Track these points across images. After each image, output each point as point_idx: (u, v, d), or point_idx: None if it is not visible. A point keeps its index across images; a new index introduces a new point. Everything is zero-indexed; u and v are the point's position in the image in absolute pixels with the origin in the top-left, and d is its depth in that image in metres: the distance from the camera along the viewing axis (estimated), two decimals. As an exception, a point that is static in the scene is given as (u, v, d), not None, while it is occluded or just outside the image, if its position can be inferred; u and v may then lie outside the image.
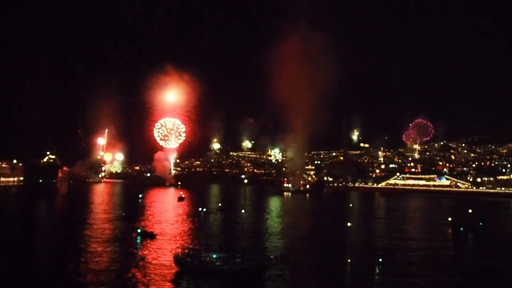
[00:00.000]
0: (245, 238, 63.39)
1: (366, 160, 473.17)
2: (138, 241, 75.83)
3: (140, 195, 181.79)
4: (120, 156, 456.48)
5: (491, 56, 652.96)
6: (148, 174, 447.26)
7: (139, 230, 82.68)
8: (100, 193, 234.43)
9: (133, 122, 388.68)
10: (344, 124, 64.35)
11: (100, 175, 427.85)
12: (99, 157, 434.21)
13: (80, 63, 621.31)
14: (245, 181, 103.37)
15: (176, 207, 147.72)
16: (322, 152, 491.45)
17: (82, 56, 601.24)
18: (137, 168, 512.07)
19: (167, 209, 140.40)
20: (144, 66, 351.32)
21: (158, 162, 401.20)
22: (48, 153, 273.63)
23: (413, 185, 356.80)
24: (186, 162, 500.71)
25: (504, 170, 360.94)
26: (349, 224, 49.27)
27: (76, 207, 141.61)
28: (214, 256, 54.64)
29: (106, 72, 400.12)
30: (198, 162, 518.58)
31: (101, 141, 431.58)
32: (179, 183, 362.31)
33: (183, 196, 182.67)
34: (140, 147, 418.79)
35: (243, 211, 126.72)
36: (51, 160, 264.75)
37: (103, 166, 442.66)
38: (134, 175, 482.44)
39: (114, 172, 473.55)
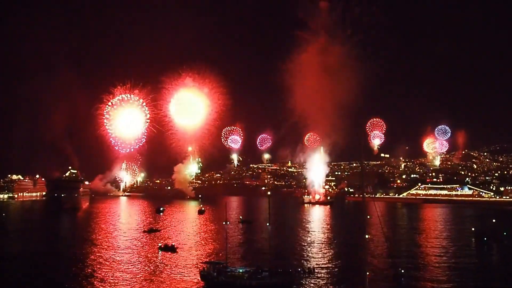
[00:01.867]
0: (270, 251, 63.54)
1: (387, 171, 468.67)
2: (160, 255, 76.94)
3: (161, 209, 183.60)
4: (140, 170, 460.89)
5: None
6: (169, 187, 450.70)
7: (160, 244, 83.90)
8: (121, 206, 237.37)
9: (154, 134, 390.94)
10: (361, 134, 64.70)
11: (121, 189, 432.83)
12: (120, 171, 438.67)
13: (99, 77, 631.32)
14: (269, 193, 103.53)
15: (197, 220, 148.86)
16: (342, 163, 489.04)
17: (103, 71, 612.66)
18: (158, 181, 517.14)
19: (187, 222, 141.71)
20: (162, 78, 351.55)
21: (178, 175, 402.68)
22: (70, 167, 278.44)
23: (435, 195, 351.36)
24: (207, 175, 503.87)
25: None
26: (367, 236, 49.41)
27: (97, 221, 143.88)
28: (241, 270, 54.85)
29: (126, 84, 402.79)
30: (218, 175, 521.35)
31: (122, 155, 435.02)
32: (200, 196, 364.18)
33: (203, 209, 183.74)
34: (161, 159, 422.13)
35: (267, 224, 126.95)
36: (73, 175, 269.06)
37: (124, 180, 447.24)
38: (155, 188, 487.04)
39: (134, 185, 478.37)
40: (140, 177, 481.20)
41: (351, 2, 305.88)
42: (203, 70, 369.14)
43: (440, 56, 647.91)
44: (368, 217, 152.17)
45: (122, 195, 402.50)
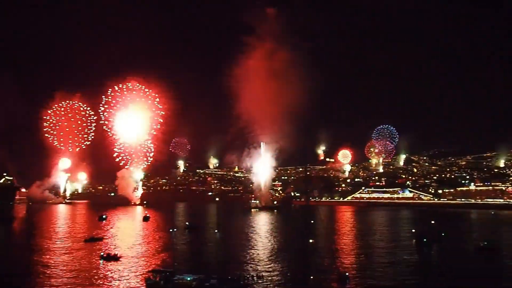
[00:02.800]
0: (219, 258, 62.67)
1: (332, 175, 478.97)
2: (102, 264, 73.76)
3: (103, 216, 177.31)
4: (82, 176, 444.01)
5: (452, 74, 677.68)
6: (112, 194, 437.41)
7: (102, 253, 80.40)
8: (61, 215, 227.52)
9: (96, 140, 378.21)
10: (307, 140, 65.32)
11: (61, 196, 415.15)
12: (60, 177, 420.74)
13: (39, 81, 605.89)
14: (217, 199, 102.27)
15: (142, 227, 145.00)
16: (289, 167, 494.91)
17: (42, 74, 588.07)
18: (101, 187, 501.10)
19: (132, 230, 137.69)
20: (107, 82, 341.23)
21: (121, 181, 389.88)
22: (4, 174, 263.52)
23: (378, 198, 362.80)
24: (152, 181, 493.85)
25: (463, 182, 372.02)
26: (311, 241, 49.92)
27: (35, 231, 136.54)
28: (189, 278, 53.52)
29: (69, 89, 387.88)
30: (164, 180, 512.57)
31: (63, 160, 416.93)
32: (145, 202, 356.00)
33: (148, 215, 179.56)
34: (103, 165, 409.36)
35: (216, 230, 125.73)
36: (8, 182, 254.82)
37: (64, 187, 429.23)
38: (98, 195, 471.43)
39: (76, 192, 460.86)
40: (82, 183, 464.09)
41: (298, 9, 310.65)
42: (149, 74, 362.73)
43: (382, 64, 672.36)
44: (312, 221, 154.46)
45: (62, 203, 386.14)
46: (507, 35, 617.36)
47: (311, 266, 66.79)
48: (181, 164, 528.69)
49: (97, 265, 72.95)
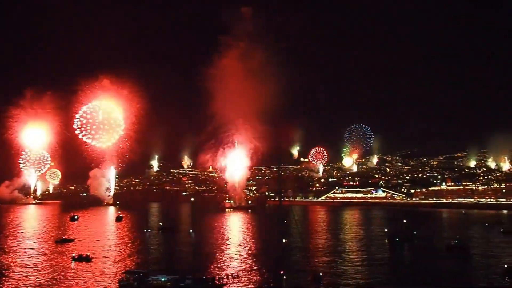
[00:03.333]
0: (194, 258, 62.18)
1: (306, 175, 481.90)
2: (74, 266, 72.15)
3: (75, 216, 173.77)
4: (54, 175, 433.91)
5: (424, 75, 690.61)
6: (84, 194, 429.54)
7: (73, 254, 78.52)
8: (31, 215, 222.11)
9: (68, 139, 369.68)
10: (280, 140, 65.48)
11: (31, 196, 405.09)
12: (30, 177, 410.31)
13: (8, 79, 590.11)
14: (192, 199, 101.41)
15: (115, 228, 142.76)
16: (263, 167, 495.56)
17: (12, 72, 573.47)
18: (72, 187, 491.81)
19: (104, 230, 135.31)
20: (79, 79, 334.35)
21: (94, 180, 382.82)
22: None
23: (352, 198, 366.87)
24: (125, 181, 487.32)
25: (435, 182, 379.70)
26: (284, 240, 50.04)
27: (3, 232, 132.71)
28: (163, 278, 52.85)
29: (40, 86, 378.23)
30: (137, 180, 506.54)
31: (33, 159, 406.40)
32: (118, 202, 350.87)
33: (121, 216, 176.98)
34: (75, 164, 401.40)
35: (191, 230, 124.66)
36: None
37: (34, 186, 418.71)
38: (70, 195, 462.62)
39: (47, 192, 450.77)
40: (53, 183, 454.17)
41: (274, 9, 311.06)
42: (122, 73, 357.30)
43: (356, 65, 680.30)
44: (285, 221, 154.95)
45: (32, 203, 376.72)
46: (479, 33, 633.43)
47: (285, 266, 66.87)
48: (154, 164, 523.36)
49: (69, 267, 71.34)
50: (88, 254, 79.69)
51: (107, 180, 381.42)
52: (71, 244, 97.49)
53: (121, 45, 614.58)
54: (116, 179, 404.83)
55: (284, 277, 46.92)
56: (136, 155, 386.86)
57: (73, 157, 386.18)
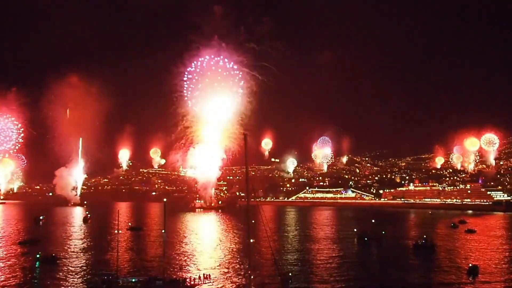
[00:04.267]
0: (165, 259, 61.18)
1: (277, 175, 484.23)
2: (38, 267, 70.00)
3: (40, 217, 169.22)
4: (17, 174, 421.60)
5: (393, 77, 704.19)
6: (50, 194, 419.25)
7: (38, 255, 76.06)
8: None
9: (34, 137, 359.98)
10: (246, 139, 65.59)
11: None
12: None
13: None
14: (164, 199, 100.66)
15: (82, 229, 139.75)
16: (234, 167, 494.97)
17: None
18: (38, 187, 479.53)
19: (71, 231, 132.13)
20: (47, 77, 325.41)
21: (60, 179, 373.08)
22: None
23: (322, 198, 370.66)
24: (93, 180, 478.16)
25: (403, 182, 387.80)
26: (252, 240, 50.02)
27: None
28: (133, 280, 51.88)
29: (4, 84, 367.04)
30: (105, 180, 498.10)
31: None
32: (85, 202, 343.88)
33: (88, 216, 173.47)
34: (40, 163, 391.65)
35: (163, 230, 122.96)
36: None
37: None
38: (35, 195, 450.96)
39: (11, 192, 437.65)
40: (17, 183, 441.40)
41: (245, 10, 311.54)
42: (91, 71, 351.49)
43: (327, 66, 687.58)
44: (253, 221, 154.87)
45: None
46: (444, 36, 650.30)
47: (253, 266, 66.87)
48: (123, 163, 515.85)
49: (32, 269, 69.25)
50: (54, 255, 77.67)
51: (74, 179, 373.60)
52: (36, 245, 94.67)
53: (91, 42, 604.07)
54: (84, 179, 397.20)
55: (252, 277, 46.74)
56: (104, 154, 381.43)
57: (39, 156, 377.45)
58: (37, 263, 72.95)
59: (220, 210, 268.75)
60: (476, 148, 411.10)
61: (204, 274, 58.76)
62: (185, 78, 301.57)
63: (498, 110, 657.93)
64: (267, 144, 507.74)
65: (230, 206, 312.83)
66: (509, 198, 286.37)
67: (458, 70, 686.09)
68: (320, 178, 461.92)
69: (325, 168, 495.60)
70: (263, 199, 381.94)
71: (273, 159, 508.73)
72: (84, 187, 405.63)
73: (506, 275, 66.23)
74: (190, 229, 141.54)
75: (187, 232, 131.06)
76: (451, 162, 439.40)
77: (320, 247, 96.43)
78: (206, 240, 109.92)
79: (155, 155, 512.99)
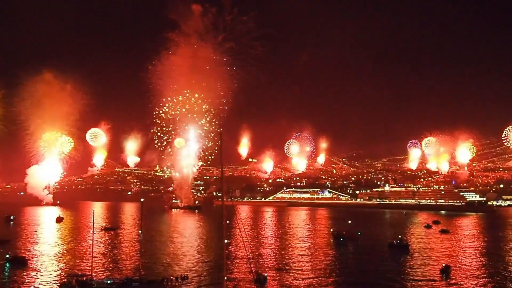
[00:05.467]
0: (141, 260, 60.15)
1: (254, 175, 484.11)
2: (8, 269, 67.98)
3: (11, 217, 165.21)
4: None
5: (368, 77, 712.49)
6: (22, 193, 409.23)
7: (7, 256, 73.89)
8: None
9: (4, 134, 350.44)
10: (222, 139, 65.51)
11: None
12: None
13: None
14: (142, 199, 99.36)
15: (55, 229, 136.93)
16: (211, 167, 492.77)
17: None
18: (8, 186, 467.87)
19: (43, 232, 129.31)
20: (20, 73, 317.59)
21: (32, 178, 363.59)
22: None
23: (299, 198, 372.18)
24: (67, 179, 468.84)
25: (379, 183, 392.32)
26: (226, 241, 49.88)
27: None
28: (108, 281, 50.95)
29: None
30: (80, 179, 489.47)
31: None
32: (58, 202, 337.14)
33: (62, 216, 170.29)
34: (11, 162, 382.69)
35: (139, 231, 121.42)
36: None
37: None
38: (5, 194, 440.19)
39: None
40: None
41: (223, 8, 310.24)
42: (66, 67, 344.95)
43: (303, 67, 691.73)
44: (228, 221, 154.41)
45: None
46: (422, 34, 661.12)
47: (228, 267, 66.84)
48: (98, 162, 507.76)
49: (2, 269, 67.27)
50: (24, 256, 75.74)
51: (46, 178, 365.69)
52: (6, 246, 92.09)
53: (66, 39, 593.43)
54: (57, 178, 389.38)
55: (226, 278, 46.52)
56: (79, 152, 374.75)
57: (10, 154, 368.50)
58: (6, 264, 70.95)
59: (197, 210, 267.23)
60: (450, 149, 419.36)
61: (181, 275, 58.18)
62: (162, 77, 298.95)
63: (471, 112, 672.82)
64: (244, 144, 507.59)
65: (207, 206, 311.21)
66: (481, 199, 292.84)
67: (434, 72, 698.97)
68: (297, 178, 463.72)
69: (302, 168, 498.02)
70: (240, 199, 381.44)
71: (250, 159, 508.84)
72: (57, 186, 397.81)
73: (478, 274, 67.62)
74: (167, 230, 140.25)
75: (164, 232, 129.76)
76: (426, 164, 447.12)
77: (296, 247, 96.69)
78: (183, 241, 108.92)
79: (131, 154, 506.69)
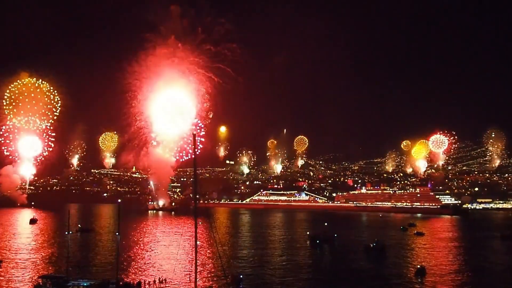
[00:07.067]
0: (118, 262, 59.33)
1: (231, 177, 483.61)
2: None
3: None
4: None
5: (346, 81, 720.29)
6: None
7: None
8: None
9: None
10: (195, 140, 65.45)
11: None
12: None
13: None
14: (119, 200, 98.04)
15: (29, 231, 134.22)
16: (188, 169, 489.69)
17: None
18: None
19: (17, 233, 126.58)
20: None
21: (5, 178, 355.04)
22: None
23: (276, 201, 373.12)
24: (41, 180, 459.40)
25: (355, 186, 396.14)
26: (198, 243, 49.88)
27: None
28: (85, 283, 50.22)
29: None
30: (55, 180, 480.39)
31: None
32: (32, 203, 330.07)
33: (36, 218, 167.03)
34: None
35: (117, 233, 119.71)
36: None
37: None
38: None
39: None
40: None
41: (202, 10, 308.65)
42: (42, 69, 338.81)
43: (282, 68, 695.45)
44: (200, 223, 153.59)
45: None
46: (406, 36, 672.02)
47: (203, 268, 66.96)
48: (74, 163, 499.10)
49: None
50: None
51: (20, 179, 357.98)
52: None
53: (41, 38, 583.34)
54: (32, 178, 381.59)
55: (198, 279, 46.55)
56: (54, 153, 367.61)
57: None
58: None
59: (173, 212, 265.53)
60: (425, 152, 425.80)
61: (159, 278, 57.81)
62: (139, 78, 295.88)
63: (447, 116, 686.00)
64: (222, 145, 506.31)
65: (183, 208, 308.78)
66: (456, 202, 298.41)
67: (411, 74, 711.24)
68: (274, 180, 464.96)
69: (279, 170, 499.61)
70: (217, 201, 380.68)
71: (227, 161, 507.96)
72: (31, 187, 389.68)
73: (452, 276, 69.11)
74: (144, 231, 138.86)
75: (141, 234, 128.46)
76: (402, 166, 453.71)
77: (272, 249, 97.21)
78: (159, 243, 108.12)
79: (107, 155, 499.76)
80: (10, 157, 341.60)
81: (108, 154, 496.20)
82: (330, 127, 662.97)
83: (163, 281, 57.21)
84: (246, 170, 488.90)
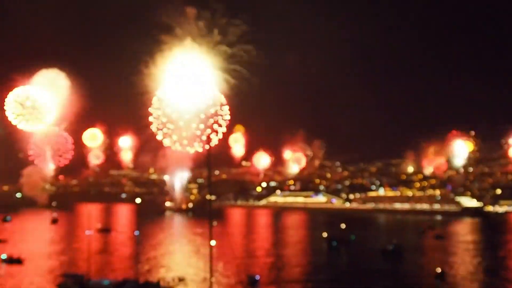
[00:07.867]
0: (138, 261, 60.19)
1: (247, 178, 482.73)
2: (3, 268, 67.93)
3: (7, 217, 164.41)
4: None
5: (364, 80, 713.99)
6: (19, 194, 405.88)
7: (3, 256, 73.57)
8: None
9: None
10: (209, 141, 65.67)
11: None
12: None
13: None
14: (137, 201, 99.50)
15: (50, 230, 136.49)
16: (204, 170, 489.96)
17: None
18: (5, 187, 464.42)
19: (39, 232, 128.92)
20: (14, 73, 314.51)
21: (27, 179, 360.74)
22: None
23: (292, 202, 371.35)
24: (62, 181, 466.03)
25: (373, 187, 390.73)
26: (214, 243, 50.22)
27: None
28: (106, 282, 50.95)
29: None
30: (75, 181, 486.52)
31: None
32: (54, 203, 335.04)
33: (57, 218, 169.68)
34: (7, 162, 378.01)
35: (135, 232, 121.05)
36: None
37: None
38: (1, 195, 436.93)
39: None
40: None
41: (217, 12, 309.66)
42: (59, 70, 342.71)
43: (296, 70, 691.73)
44: (216, 223, 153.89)
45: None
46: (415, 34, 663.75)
47: (220, 269, 67.23)
48: (93, 164, 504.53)
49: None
50: (20, 255, 75.60)
51: (42, 179, 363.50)
52: (2, 245, 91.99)
53: (58, 41, 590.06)
54: (53, 179, 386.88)
55: (213, 278, 46.85)
56: (74, 154, 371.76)
57: (5, 154, 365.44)
58: (2, 263, 70.85)
59: (189, 213, 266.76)
60: (445, 152, 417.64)
61: (178, 277, 58.36)
62: (156, 79, 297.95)
63: (468, 116, 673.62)
64: (238, 147, 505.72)
65: (200, 209, 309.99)
66: (478, 204, 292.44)
67: (429, 74, 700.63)
68: (291, 182, 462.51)
69: (296, 172, 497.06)
70: (233, 203, 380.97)
71: (244, 162, 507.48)
72: (53, 187, 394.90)
73: (473, 280, 67.99)
74: (162, 231, 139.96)
75: (159, 233, 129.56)
76: (421, 168, 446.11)
77: (289, 251, 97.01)
78: (176, 242, 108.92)
79: (125, 156, 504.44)
80: (32, 158, 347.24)
81: (126, 155, 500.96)
82: (346, 127, 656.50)
83: (182, 279, 57.70)
84: (262, 171, 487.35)
